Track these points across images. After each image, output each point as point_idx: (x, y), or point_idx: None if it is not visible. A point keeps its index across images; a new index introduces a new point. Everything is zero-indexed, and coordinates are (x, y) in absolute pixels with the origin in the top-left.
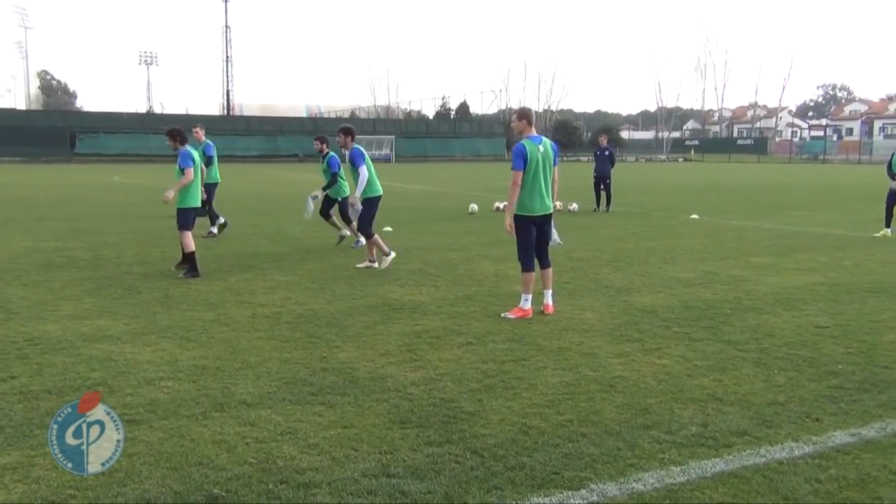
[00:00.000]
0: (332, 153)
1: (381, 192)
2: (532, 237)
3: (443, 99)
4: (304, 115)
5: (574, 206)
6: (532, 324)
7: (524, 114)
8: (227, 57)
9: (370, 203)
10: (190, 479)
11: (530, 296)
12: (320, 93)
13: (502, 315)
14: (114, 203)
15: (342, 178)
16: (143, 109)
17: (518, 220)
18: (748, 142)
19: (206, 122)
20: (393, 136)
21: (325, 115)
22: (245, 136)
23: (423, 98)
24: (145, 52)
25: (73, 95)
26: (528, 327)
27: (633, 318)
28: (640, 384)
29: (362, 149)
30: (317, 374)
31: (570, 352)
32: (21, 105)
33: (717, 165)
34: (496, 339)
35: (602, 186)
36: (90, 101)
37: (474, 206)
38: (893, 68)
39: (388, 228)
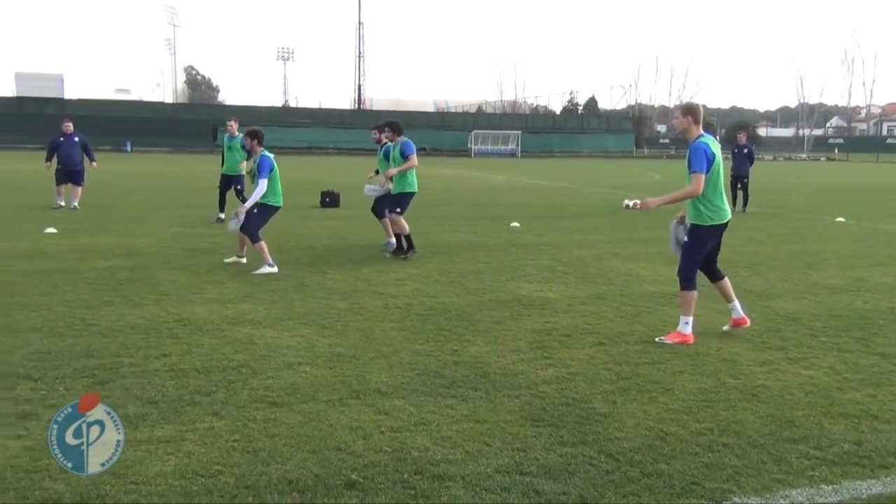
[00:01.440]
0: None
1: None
2: (706, 251)
3: (570, 94)
4: (432, 109)
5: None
6: (667, 326)
7: (689, 109)
8: (360, 53)
9: (266, 211)
10: (329, 463)
11: (692, 318)
12: (448, 88)
13: (657, 339)
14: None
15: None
16: (279, 103)
17: (703, 231)
18: None
19: (339, 116)
20: (519, 132)
21: (453, 110)
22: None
23: (550, 93)
24: (283, 48)
25: (215, 90)
26: (662, 329)
27: (776, 325)
28: (786, 395)
29: (271, 157)
30: (448, 366)
31: (708, 357)
32: (168, 99)
33: (864, 165)
34: (629, 340)
35: (739, 186)
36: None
37: (515, 224)
38: None
39: (516, 224)
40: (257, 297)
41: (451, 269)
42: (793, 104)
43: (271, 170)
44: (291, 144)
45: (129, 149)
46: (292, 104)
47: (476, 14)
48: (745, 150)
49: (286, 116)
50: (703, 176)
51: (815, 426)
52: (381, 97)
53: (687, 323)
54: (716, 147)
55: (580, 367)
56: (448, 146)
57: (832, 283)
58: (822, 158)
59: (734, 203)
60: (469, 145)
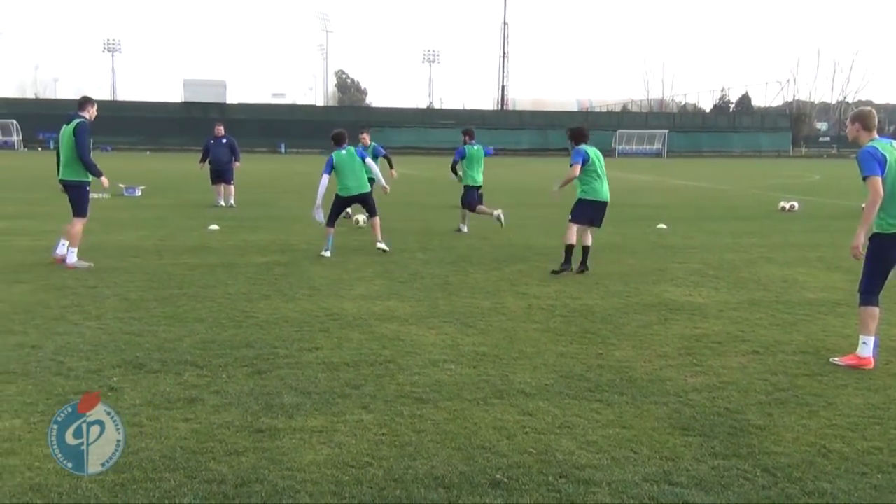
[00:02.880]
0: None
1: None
2: (889, 263)
3: (722, 91)
4: (576, 109)
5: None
6: (828, 336)
7: (857, 116)
8: (504, 53)
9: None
10: (473, 461)
11: (872, 338)
12: (592, 87)
13: (832, 360)
14: (398, 193)
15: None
16: (423, 105)
17: (880, 240)
18: None
19: (481, 116)
20: (666, 131)
21: (597, 110)
22: (517, 130)
23: (699, 90)
24: (429, 51)
25: (363, 92)
26: (823, 340)
27: None
28: None
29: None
30: (593, 370)
31: (876, 371)
32: (320, 102)
33: None
34: (786, 349)
35: None
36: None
37: (662, 226)
38: None
39: (662, 226)
40: (403, 295)
41: (595, 270)
42: None
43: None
44: (435, 145)
45: (283, 150)
46: (437, 105)
47: (622, 11)
48: None
49: (430, 118)
50: (879, 178)
51: None
52: (524, 97)
53: (866, 343)
54: (888, 149)
55: (732, 376)
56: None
57: None
58: None
59: None
60: (613, 145)
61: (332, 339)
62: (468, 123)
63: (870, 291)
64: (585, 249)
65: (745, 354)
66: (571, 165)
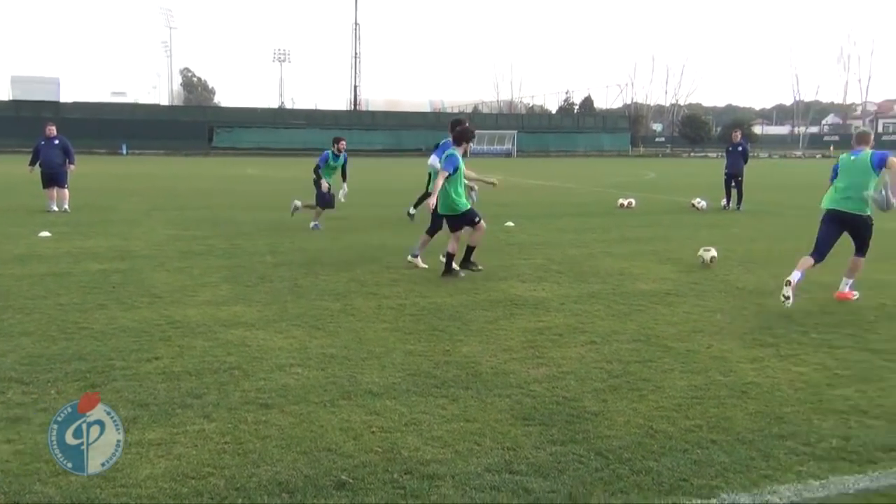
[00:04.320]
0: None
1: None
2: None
3: (566, 93)
4: (428, 110)
5: (702, 203)
6: (658, 325)
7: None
8: (356, 54)
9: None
10: (319, 464)
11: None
12: (444, 88)
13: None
14: (248, 194)
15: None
16: (274, 104)
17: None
18: (894, 137)
19: (334, 117)
20: (515, 131)
21: (449, 111)
22: (371, 131)
23: (546, 92)
24: (279, 50)
25: (211, 92)
26: (654, 328)
27: (767, 322)
28: (775, 392)
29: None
30: (440, 366)
31: (698, 355)
32: (164, 101)
33: None
34: (621, 338)
35: (734, 183)
36: (227, 97)
37: (510, 224)
38: None
39: (510, 223)
40: (251, 300)
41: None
42: (788, 102)
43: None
44: (287, 146)
45: (124, 151)
46: (288, 105)
47: (472, 14)
48: (740, 148)
49: (282, 118)
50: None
51: (804, 422)
52: (378, 98)
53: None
54: (847, 157)
55: (571, 366)
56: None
57: (824, 279)
58: (817, 156)
59: (728, 201)
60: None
61: (173, 347)
62: (322, 124)
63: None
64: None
65: (583, 345)
66: (443, 170)
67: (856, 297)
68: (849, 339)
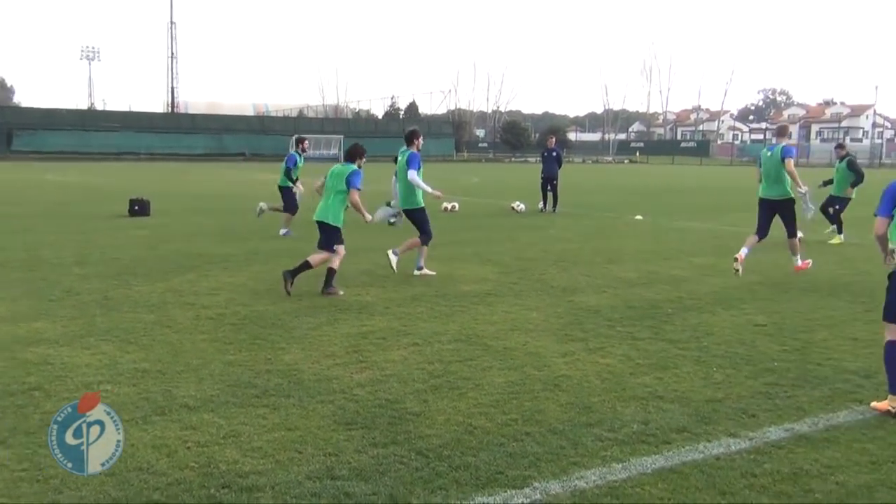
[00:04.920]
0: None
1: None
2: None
3: (392, 99)
4: (252, 113)
5: (521, 206)
6: (478, 324)
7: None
8: (173, 53)
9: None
10: (128, 485)
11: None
12: (268, 91)
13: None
14: (52, 202)
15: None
16: (83, 106)
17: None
18: (691, 144)
19: (150, 119)
20: (341, 136)
21: (273, 114)
22: (191, 135)
23: (372, 98)
24: (87, 47)
25: (9, 90)
26: (474, 328)
27: (578, 318)
28: (584, 383)
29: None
30: (261, 376)
31: (515, 352)
32: None
33: (661, 167)
34: (442, 339)
35: (549, 187)
36: (29, 96)
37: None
38: (829, 74)
39: None
40: (54, 315)
41: (267, 276)
42: (599, 110)
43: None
44: (99, 150)
45: None
46: (99, 107)
47: (296, 17)
48: (555, 154)
49: (92, 120)
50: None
51: (609, 410)
52: (198, 100)
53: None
54: (765, 152)
55: (394, 369)
56: (269, 150)
57: (629, 276)
58: (625, 161)
59: (544, 204)
60: (290, 150)
61: None
62: (137, 127)
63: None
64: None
65: (406, 347)
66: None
67: (810, 265)
68: (649, 331)
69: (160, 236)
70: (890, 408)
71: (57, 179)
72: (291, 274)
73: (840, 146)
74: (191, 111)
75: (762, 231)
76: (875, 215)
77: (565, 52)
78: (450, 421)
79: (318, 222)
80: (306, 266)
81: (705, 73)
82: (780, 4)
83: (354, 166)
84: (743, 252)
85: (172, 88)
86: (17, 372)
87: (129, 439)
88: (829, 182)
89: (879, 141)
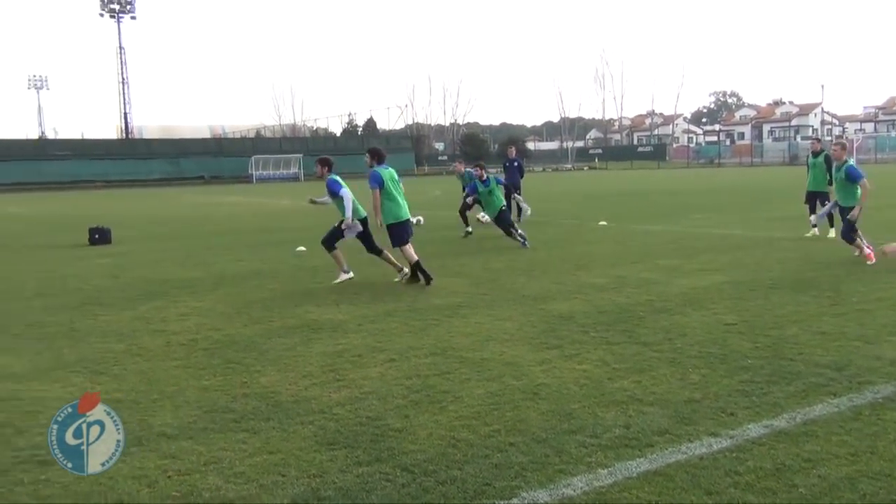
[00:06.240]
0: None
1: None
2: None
3: (349, 115)
4: (209, 135)
5: (485, 217)
6: (453, 337)
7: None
8: (123, 79)
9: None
10: None
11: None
12: (223, 113)
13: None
14: (8, 234)
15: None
16: (34, 135)
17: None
18: (648, 149)
19: (105, 146)
20: (300, 155)
21: (230, 136)
22: (147, 160)
23: (329, 115)
24: (35, 76)
25: None
26: (449, 340)
27: (552, 326)
28: (563, 390)
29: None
30: (238, 400)
31: (492, 362)
32: None
33: (620, 173)
34: (419, 353)
35: (512, 197)
36: None
37: (301, 248)
38: (778, 75)
39: (302, 248)
40: (19, 349)
41: (237, 299)
42: (556, 119)
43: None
44: (53, 179)
45: None
46: (50, 136)
47: (247, 36)
48: (516, 164)
49: (45, 149)
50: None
51: (590, 415)
52: (152, 124)
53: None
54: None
55: (373, 386)
56: (228, 173)
57: (598, 281)
58: (584, 168)
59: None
60: (250, 171)
61: None
62: (91, 154)
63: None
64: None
65: (383, 363)
66: (371, 189)
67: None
68: (623, 335)
69: (123, 264)
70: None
71: (13, 211)
72: (423, 273)
73: (817, 140)
74: (146, 136)
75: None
76: None
77: (519, 62)
78: (433, 435)
79: (406, 220)
80: (419, 263)
81: (657, 78)
82: (727, 8)
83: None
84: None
85: (125, 114)
86: None
87: (106, 472)
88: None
89: (829, 138)
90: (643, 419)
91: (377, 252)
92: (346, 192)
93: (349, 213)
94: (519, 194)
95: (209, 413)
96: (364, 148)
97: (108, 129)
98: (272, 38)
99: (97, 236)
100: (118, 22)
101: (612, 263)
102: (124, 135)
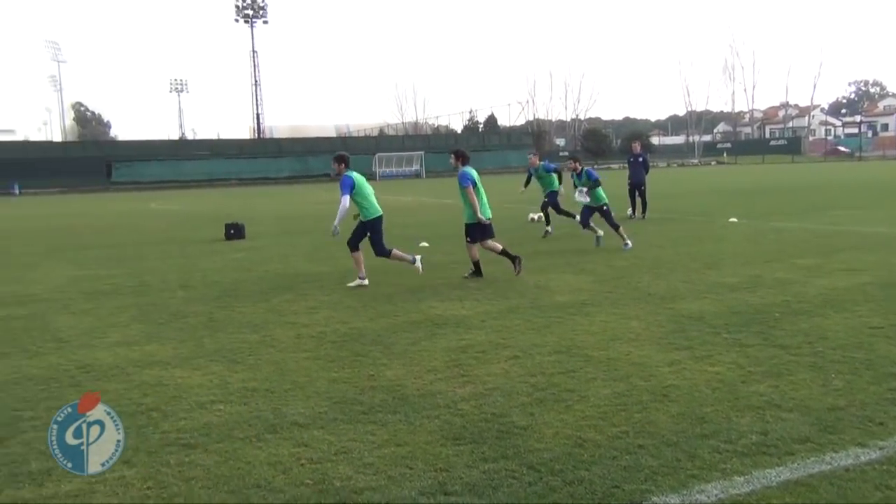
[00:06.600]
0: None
1: (381, 213)
2: None
3: (470, 113)
4: (334, 135)
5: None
6: (578, 335)
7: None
8: (256, 81)
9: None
10: (249, 502)
11: None
12: (348, 112)
13: None
14: (154, 229)
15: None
16: (175, 136)
17: None
18: (781, 142)
19: (239, 146)
20: (422, 152)
21: (355, 135)
22: (277, 158)
23: (450, 113)
24: (175, 80)
25: (107, 125)
26: (573, 338)
27: (681, 326)
28: (694, 393)
29: (353, 175)
30: (366, 392)
31: (619, 362)
32: (57, 137)
33: (750, 167)
34: (542, 351)
35: (637, 193)
36: (124, 130)
37: (424, 244)
38: None
39: (425, 244)
40: (164, 337)
41: (363, 293)
42: (681, 112)
43: (352, 187)
44: (192, 177)
45: (17, 192)
46: (189, 136)
47: (372, 37)
48: (641, 159)
49: (184, 149)
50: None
51: (724, 420)
52: (282, 124)
53: None
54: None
55: (497, 382)
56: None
57: (730, 281)
58: (712, 163)
59: (633, 210)
60: (373, 168)
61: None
62: (226, 154)
63: None
64: (503, 252)
65: (507, 360)
66: (464, 188)
67: None
68: (757, 337)
69: (256, 258)
70: None
71: (160, 208)
72: (511, 258)
73: None
74: (276, 136)
75: None
76: None
77: (643, 56)
78: (559, 434)
79: (488, 219)
80: (507, 250)
81: (791, 68)
82: None
83: None
84: None
85: (257, 115)
86: (134, 394)
87: (244, 457)
88: None
89: None
90: (782, 426)
91: (386, 254)
92: (346, 199)
93: (337, 221)
94: (644, 190)
95: (338, 404)
96: (485, 143)
97: (242, 130)
98: (396, 39)
99: (233, 232)
100: (251, 27)
101: (743, 262)
102: (256, 135)
